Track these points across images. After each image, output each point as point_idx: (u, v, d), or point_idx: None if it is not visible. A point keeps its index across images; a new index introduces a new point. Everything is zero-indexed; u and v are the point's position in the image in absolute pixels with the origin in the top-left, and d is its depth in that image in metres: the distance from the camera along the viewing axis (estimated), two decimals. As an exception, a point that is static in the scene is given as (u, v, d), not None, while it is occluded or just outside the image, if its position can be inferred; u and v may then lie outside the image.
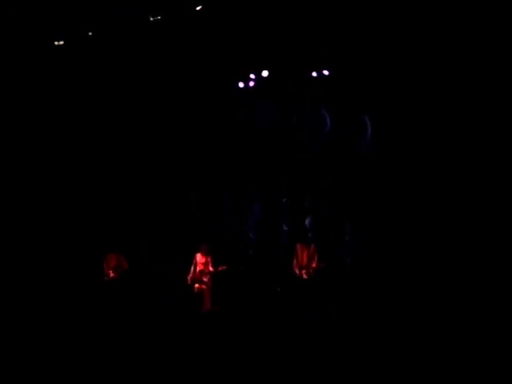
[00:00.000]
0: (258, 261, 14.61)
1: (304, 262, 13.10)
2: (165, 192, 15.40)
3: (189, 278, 13.33)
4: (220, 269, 13.39)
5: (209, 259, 13.37)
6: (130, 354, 9.70)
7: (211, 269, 13.32)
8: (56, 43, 14.03)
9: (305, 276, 13.01)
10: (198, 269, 13.32)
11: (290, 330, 11.11)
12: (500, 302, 11.14)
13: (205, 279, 13.29)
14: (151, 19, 13.52)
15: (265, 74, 14.54)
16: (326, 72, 14.09)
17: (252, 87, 14.79)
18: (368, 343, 9.74)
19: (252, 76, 14.69)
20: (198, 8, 13.29)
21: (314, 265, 13.06)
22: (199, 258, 13.40)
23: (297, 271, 13.11)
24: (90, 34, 13.74)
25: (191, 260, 13.49)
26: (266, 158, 15.03)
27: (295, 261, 13.17)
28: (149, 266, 14.60)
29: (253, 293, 13.64)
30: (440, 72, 12.84)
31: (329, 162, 14.39)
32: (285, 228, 14.71)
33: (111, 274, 13.73)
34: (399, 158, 13.44)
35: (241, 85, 14.83)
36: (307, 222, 14.42)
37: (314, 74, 14.20)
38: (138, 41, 14.14)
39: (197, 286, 13.29)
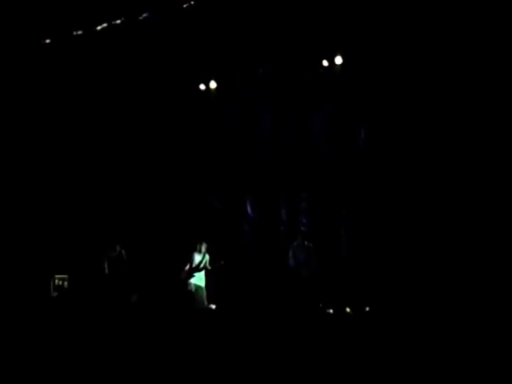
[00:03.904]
0: (256, 258, 14.57)
1: (301, 260, 13.04)
2: (163, 191, 15.37)
3: (186, 275, 13.29)
4: (217, 265, 13.36)
5: (206, 258, 13.36)
6: (127, 351, 9.59)
7: (208, 267, 13.33)
8: (43, 42, 14.02)
9: (303, 274, 12.94)
10: (194, 267, 13.31)
11: (289, 328, 11.02)
12: (497, 296, 11.10)
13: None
14: (140, 18, 13.47)
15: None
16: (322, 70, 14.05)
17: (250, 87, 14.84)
18: (367, 342, 9.64)
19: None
20: (185, 5, 13.23)
21: (312, 266, 12.99)
22: (196, 257, 13.38)
23: (293, 269, 13.05)
24: (80, 32, 13.71)
25: (188, 258, 13.48)
26: (263, 157, 14.97)
27: (291, 259, 13.11)
28: (146, 264, 14.57)
29: (250, 291, 13.59)
30: (439, 74, 12.77)
31: (327, 161, 14.30)
32: (282, 228, 14.66)
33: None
34: (398, 158, 13.35)
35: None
36: (304, 220, 14.34)
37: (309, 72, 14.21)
38: (129, 39, 14.10)
39: (194, 283, 13.28)
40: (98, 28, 14.00)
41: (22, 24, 13.77)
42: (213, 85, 14.96)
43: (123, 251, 14.02)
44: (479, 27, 12.20)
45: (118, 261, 13.93)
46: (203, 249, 13.39)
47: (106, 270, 13.83)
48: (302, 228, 13.77)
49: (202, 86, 15.09)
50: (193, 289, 13.26)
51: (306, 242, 13.14)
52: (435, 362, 8.34)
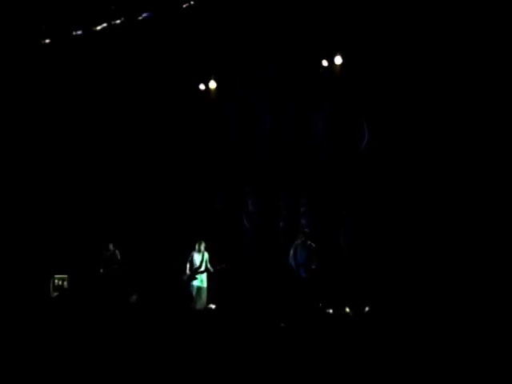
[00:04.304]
0: (256, 258, 14.56)
1: (302, 260, 13.03)
2: (163, 191, 15.37)
3: (185, 276, 13.30)
4: (218, 268, 13.37)
5: (205, 257, 13.36)
6: (127, 352, 9.59)
7: (209, 267, 13.33)
8: (43, 42, 14.03)
9: (303, 274, 12.92)
10: (194, 267, 13.32)
11: (289, 328, 11.01)
12: (497, 296, 11.10)
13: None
14: (140, 18, 13.48)
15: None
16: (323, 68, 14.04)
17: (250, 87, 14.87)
18: (366, 342, 9.63)
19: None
20: (184, 6, 13.23)
21: (313, 265, 12.96)
22: (195, 256, 13.38)
23: (293, 268, 13.04)
24: (80, 32, 13.71)
25: (187, 258, 13.50)
26: (263, 157, 14.97)
27: (292, 259, 13.09)
28: (146, 264, 14.58)
29: (250, 291, 13.58)
30: (439, 74, 12.74)
31: (327, 161, 14.28)
32: (282, 225, 14.64)
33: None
34: (398, 158, 13.32)
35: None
36: (304, 220, 14.31)
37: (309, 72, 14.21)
38: (129, 39, 14.12)
39: (194, 284, 13.29)
40: (98, 28, 14.00)
41: (22, 24, 13.78)
42: (213, 85, 14.96)
43: (117, 251, 14.06)
44: (479, 27, 12.19)
45: (112, 260, 13.98)
46: (202, 248, 13.40)
47: (101, 270, 13.91)
48: (306, 230, 13.70)
49: (202, 86, 15.09)
50: (194, 290, 13.28)
51: (308, 242, 13.11)
52: (435, 361, 8.33)
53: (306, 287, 12.86)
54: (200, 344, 9.89)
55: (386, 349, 9.14)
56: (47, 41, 14.11)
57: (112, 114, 15.42)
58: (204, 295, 13.27)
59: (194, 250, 13.48)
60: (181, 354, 9.37)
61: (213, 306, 13.29)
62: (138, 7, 13.77)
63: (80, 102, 15.34)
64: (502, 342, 8.79)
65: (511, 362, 7.95)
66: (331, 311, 12.28)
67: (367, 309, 12.15)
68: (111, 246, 14.09)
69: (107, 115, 15.42)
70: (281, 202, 14.66)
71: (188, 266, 13.40)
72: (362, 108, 13.90)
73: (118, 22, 13.89)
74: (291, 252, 13.13)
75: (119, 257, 14.12)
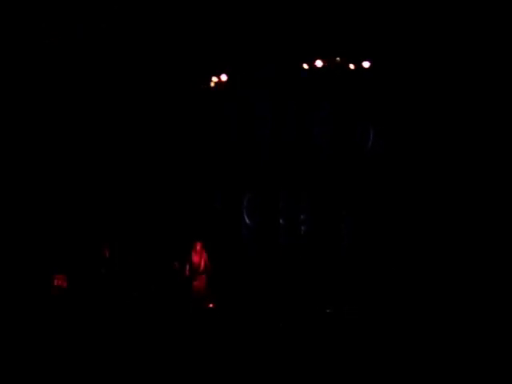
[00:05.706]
0: (256, 258, 14.57)
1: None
2: (162, 191, 15.37)
3: (184, 276, 13.31)
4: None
5: (203, 258, 13.35)
6: (126, 351, 9.60)
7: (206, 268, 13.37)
8: (43, 42, 14.03)
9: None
10: (192, 268, 13.33)
11: (289, 327, 11.03)
12: (497, 297, 11.11)
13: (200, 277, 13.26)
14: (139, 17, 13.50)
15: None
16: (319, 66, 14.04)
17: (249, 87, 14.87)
18: (366, 342, 9.63)
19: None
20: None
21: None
22: (194, 256, 13.38)
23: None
24: (80, 32, 13.72)
25: (186, 259, 13.50)
26: (263, 157, 14.97)
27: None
28: (144, 265, 14.56)
29: (250, 291, 13.60)
30: (439, 74, 12.75)
31: (327, 161, 14.29)
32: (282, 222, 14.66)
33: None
34: (398, 158, 13.33)
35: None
36: (304, 220, 14.33)
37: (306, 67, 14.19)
38: (129, 39, 14.12)
39: (194, 284, 13.29)
40: (98, 28, 14.01)
41: (22, 24, 13.78)
42: (213, 84, 14.95)
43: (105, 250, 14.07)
44: (483, 24, 12.20)
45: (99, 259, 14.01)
46: (200, 249, 13.41)
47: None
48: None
49: (202, 86, 15.08)
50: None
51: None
52: (435, 361, 8.32)
53: (306, 287, 12.88)
54: (200, 344, 9.89)
55: (385, 348, 9.13)
56: (47, 41, 14.09)
57: (112, 114, 15.39)
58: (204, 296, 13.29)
59: (192, 250, 13.49)
60: (181, 353, 9.37)
61: (213, 306, 13.30)
62: (138, 7, 13.77)
63: (79, 102, 15.31)
64: (501, 342, 8.81)
65: (507, 363, 7.98)
66: (331, 311, 12.29)
67: (367, 308, 12.17)
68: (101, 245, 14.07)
69: (107, 115, 15.39)
70: (281, 203, 14.66)
71: (187, 267, 13.41)
72: (362, 108, 13.91)
73: (118, 21, 13.88)
74: None
75: (108, 255, 14.10)
